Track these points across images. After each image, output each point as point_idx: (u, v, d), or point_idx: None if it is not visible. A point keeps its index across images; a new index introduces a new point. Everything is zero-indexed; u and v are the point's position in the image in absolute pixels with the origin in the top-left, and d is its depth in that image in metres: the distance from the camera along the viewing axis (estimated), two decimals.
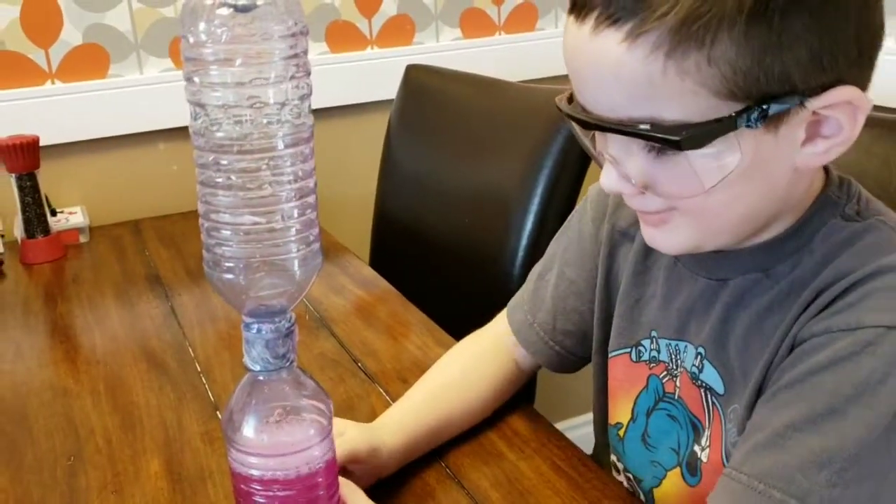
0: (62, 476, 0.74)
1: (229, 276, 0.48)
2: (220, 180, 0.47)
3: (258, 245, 0.48)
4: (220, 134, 0.46)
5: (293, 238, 0.48)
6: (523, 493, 0.69)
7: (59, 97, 1.35)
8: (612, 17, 0.50)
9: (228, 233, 0.47)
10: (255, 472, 0.52)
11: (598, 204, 0.75)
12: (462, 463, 0.72)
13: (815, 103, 0.51)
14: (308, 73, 0.48)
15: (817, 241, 0.57)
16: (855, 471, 0.50)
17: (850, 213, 0.57)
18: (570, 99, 0.57)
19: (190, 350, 0.96)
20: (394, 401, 0.80)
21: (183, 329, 1.01)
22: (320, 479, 0.53)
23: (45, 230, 1.26)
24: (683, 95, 0.50)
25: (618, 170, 0.56)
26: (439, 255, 1.30)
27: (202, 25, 0.44)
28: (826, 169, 0.59)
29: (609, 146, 0.56)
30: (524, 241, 1.17)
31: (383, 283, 1.13)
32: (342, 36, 1.52)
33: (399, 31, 1.55)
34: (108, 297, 1.12)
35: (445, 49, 1.57)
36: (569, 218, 0.80)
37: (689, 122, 0.50)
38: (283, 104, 0.46)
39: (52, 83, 1.35)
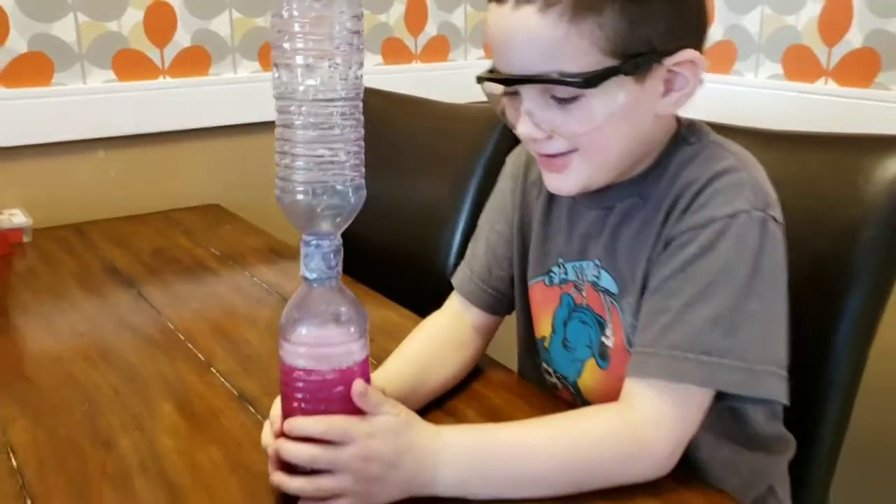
0: (82, 418, 0.82)
1: (300, 196, 0.60)
2: (299, 122, 0.59)
3: (324, 173, 0.60)
4: (301, 87, 0.59)
5: (349, 169, 0.61)
6: (492, 409, 0.82)
7: (1, 102, 1.39)
8: None
9: (302, 163, 0.60)
10: (302, 362, 0.63)
11: (513, 166, 0.92)
12: None
13: (669, 61, 0.70)
14: (363, 47, 0.61)
15: (671, 166, 0.75)
16: (736, 320, 0.68)
17: (692, 141, 0.76)
18: (491, 71, 0.74)
19: (169, 324, 1.05)
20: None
21: (156, 308, 1.10)
22: (356, 370, 0.65)
23: None
24: (581, 52, 0.68)
25: (532, 120, 0.72)
26: (372, 262, 1.41)
27: (295, 3, 0.58)
28: (678, 119, 0.78)
29: (524, 102, 0.72)
30: (455, 247, 1.29)
31: None
32: None
33: None
34: (70, 285, 1.18)
35: (367, 73, 1.71)
36: (494, 192, 0.95)
37: (586, 72, 0.68)
38: (349, 66, 0.60)
39: None
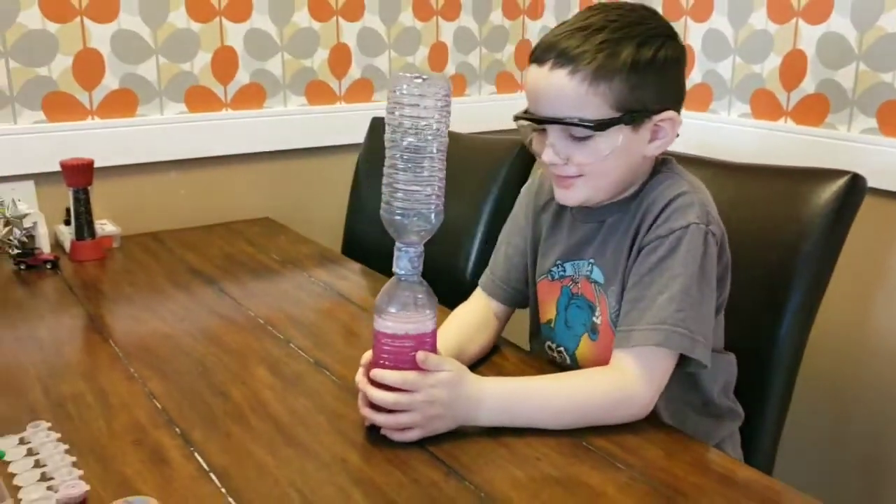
0: (199, 377, 1.08)
1: (399, 217, 0.86)
2: (401, 166, 0.85)
3: (416, 202, 0.86)
4: (405, 142, 0.85)
5: (434, 199, 0.87)
6: (507, 374, 1.09)
7: (95, 130, 1.67)
8: (559, 64, 0.96)
9: (401, 194, 0.86)
10: (390, 331, 0.90)
11: (527, 197, 1.17)
12: None
13: (656, 118, 0.98)
14: (449, 114, 0.87)
15: (644, 190, 1.02)
16: (685, 301, 0.94)
17: (661, 171, 1.03)
18: (525, 112, 1.01)
19: (249, 312, 1.31)
20: None
21: (236, 300, 1.36)
22: (428, 339, 0.91)
23: (92, 234, 1.57)
24: (595, 105, 0.95)
25: (554, 150, 0.99)
26: None
27: (404, 85, 0.84)
28: (656, 159, 1.04)
29: (550, 137, 0.99)
30: (474, 255, 1.55)
31: (378, 276, 1.51)
32: (318, 92, 1.91)
33: (362, 90, 1.97)
34: (162, 282, 1.45)
35: None
36: (511, 215, 1.21)
37: (597, 119, 0.95)
38: (438, 127, 0.85)
39: (92, 119, 1.67)
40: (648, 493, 0.83)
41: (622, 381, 0.95)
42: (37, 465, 0.87)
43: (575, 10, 2.11)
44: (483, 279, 1.20)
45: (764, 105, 1.73)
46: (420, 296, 0.91)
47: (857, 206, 1.19)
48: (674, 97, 1.01)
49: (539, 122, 1.00)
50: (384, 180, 0.88)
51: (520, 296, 1.18)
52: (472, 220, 1.57)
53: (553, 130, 0.98)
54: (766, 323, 1.18)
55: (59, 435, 0.92)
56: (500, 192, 1.57)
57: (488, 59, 2.15)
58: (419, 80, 0.84)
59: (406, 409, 0.90)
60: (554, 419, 0.94)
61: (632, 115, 0.96)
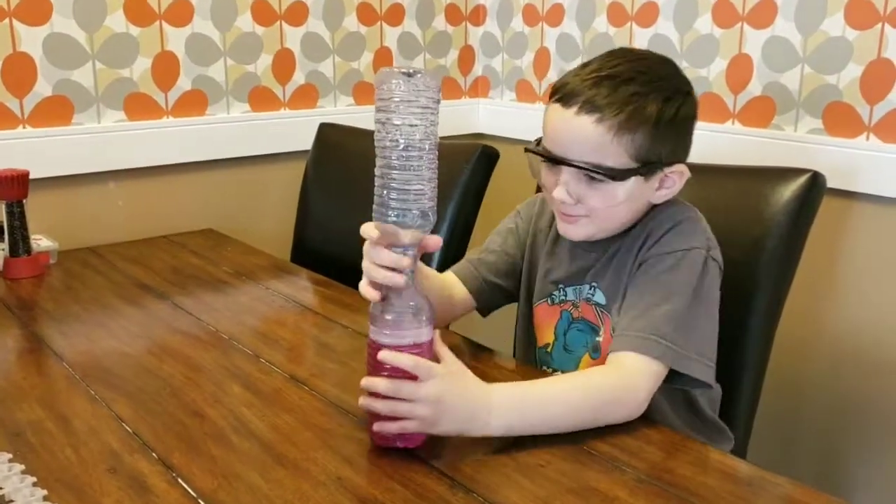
0: (169, 397, 1.02)
1: (394, 217, 0.83)
2: (396, 164, 0.81)
3: (411, 201, 0.82)
4: (397, 140, 0.81)
5: (428, 196, 0.84)
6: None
7: (27, 140, 1.57)
8: (587, 109, 0.97)
9: (396, 194, 0.82)
10: (387, 341, 0.85)
11: (527, 215, 1.19)
12: None
13: (667, 169, 1.01)
14: (438, 112, 0.83)
15: (647, 216, 1.04)
16: (683, 320, 0.96)
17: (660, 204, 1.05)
18: (537, 144, 1.03)
19: (210, 327, 1.25)
20: None
21: (194, 315, 1.29)
22: (425, 347, 0.87)
23: (28, 250, 1.47)
24: (616, 154, 0.97)
25: (566, 188, 1.00)
26: (351, 279, 1.62)
27: (393, 81, 0.80)
28: None
29: (564, 175, 1.00)
30: (436, 260, 1.51)
31: (339, 285, 1.46)
32: (262, 99, 1.85)
33: (306, 96, 1.91)
34: (109, 298, 1.37)
35: (342, 112, 1.95)
36: (505, 222, 1.21)
37: (616, 168, 0.97)
38: (428, 125, 0.82)
39: (24, 128, 1.57)
40: (660, 495, 0.81)
41: (621, 377, 0.95)
42: (2, 501, 0.79)
43: (518, 15, 2.11)
44: (458, 266, 1.18)
45: (711, 108, 1.75)
46: (416, 301, 0.87)
47: (818, 203, 1.22)
48: (684, 150, 1.05)
49: (557, 161, 1.00)
50: (377, 182, 0.84)
51: (485, 294, 1.17)
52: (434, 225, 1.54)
53: (570, 171, 1.00)
54: (735, 319, 1.18)
55: (22, 467, 0.85)
56: (461, 198, 1.54)
57: (432, 65, 2.12)
58: (409, 77, 0.81)
59: (408, 398, 0.85)
60: (564, 418, 0.91)
61: (648, 166, 0.99)
